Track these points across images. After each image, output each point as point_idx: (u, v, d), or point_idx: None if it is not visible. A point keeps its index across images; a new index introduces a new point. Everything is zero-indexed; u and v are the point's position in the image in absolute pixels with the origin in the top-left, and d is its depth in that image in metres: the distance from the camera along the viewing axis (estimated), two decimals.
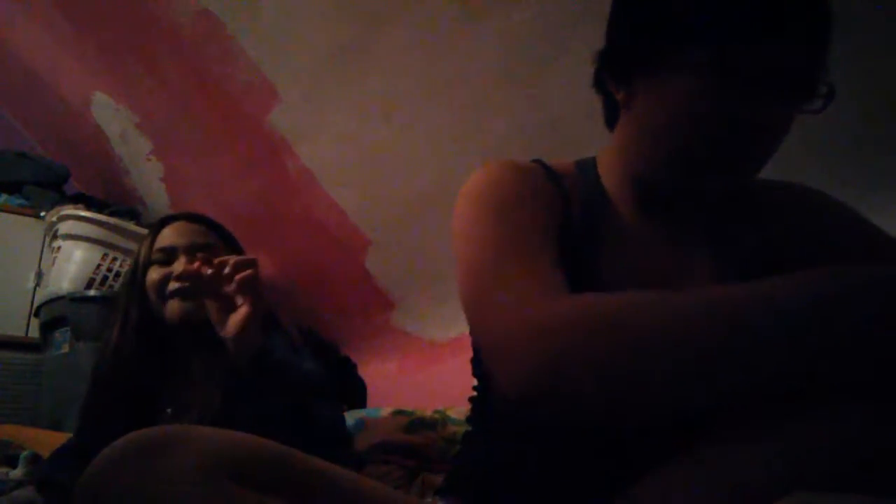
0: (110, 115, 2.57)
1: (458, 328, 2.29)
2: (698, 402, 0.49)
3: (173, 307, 1.13)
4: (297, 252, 2.50)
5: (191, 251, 1.16)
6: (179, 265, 1.14)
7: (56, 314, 2.20)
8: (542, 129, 1.68)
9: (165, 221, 1.24)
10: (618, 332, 0.50)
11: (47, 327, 2.25)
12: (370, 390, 2.37)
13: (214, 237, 1.22)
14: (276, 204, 2.35)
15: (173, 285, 1.13)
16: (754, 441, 0.48)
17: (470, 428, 0.83)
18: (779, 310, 0.47)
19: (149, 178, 2.75)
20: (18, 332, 2.52)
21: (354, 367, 2.43)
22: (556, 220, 0.70)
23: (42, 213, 2.55)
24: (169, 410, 1.10)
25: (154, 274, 1.16)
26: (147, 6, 1.95)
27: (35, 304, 2.44)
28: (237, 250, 1.24)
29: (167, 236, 1.20)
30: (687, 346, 0.48)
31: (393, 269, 2.34)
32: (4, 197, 2.74)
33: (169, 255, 1.17)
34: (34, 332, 2.44)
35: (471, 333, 0.66)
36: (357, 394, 2.32)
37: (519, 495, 0.70)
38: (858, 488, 0.42)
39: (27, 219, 2.67)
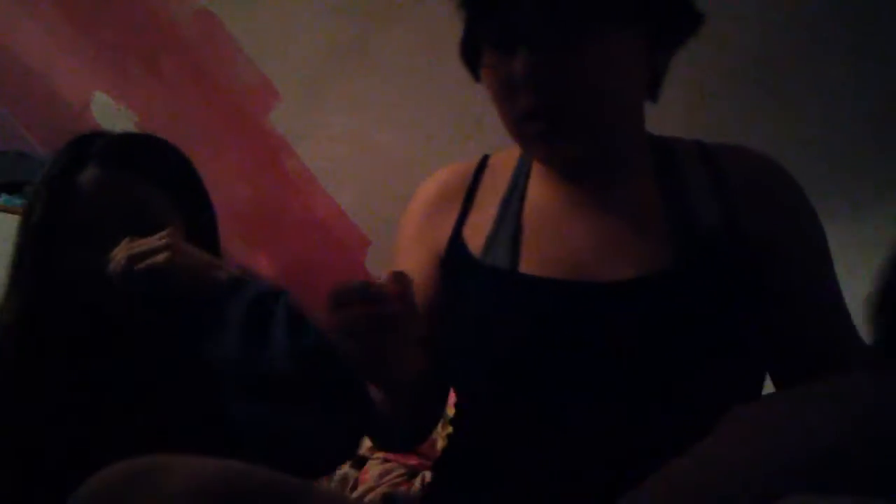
0: (110, 115, 2.56)
1: None
2: None
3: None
4: (297, 252, 2.50)
5: (128, 229, 0.73)
6: (122, 251, 0.71)
7: None
8: None
9: (71, 168, 0.77)
10: None
11: None
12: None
13: (151, 191, 0.81)
14: (276, 204, 2.35)
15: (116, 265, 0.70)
16: (754, 440, 0.46)
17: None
18: None
19: None
20: None
21: None
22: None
23: None
24: None
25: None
26: (147, 6, 1.95)
27: None
28: (194, 202, 0.89)
29: (87, 205, 0.76)
30: None
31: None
32: (4, 197, 2.73)
33: (96, 235, 0.75)
34: None
35: None
36: None
37: (504, 490, 0.66)
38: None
39: None
